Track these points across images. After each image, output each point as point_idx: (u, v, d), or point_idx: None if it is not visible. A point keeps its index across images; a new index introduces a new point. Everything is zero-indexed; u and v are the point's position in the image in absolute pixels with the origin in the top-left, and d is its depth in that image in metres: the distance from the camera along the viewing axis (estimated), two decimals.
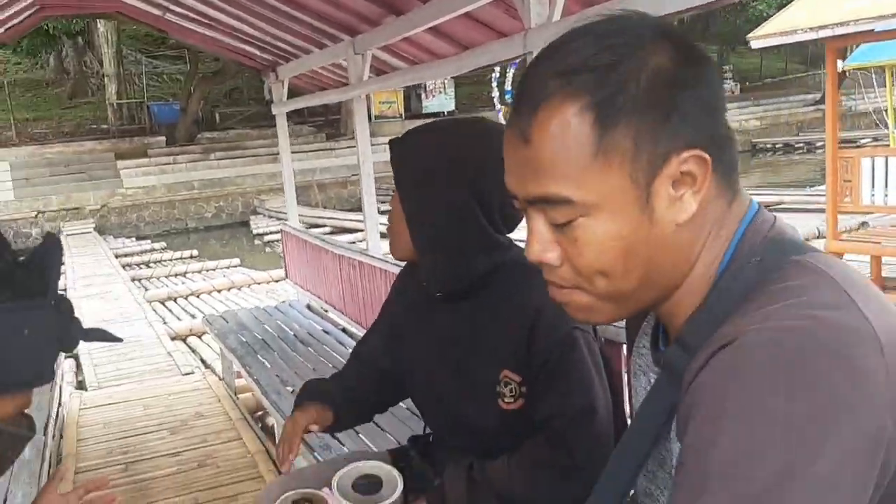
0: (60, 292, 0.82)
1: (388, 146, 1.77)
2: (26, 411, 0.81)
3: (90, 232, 18.07)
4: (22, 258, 0.77)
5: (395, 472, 1.82)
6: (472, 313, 1.70)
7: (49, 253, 0.83)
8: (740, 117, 28.15)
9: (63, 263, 0.82)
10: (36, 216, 19.12)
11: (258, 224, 18.99)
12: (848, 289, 0.81)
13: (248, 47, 6.01)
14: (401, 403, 2.28)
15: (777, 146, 27.41)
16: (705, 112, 0.87)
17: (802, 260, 0.86)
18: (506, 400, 1.63)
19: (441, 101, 25.46)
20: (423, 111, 25.18)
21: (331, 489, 1.78)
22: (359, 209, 5.77)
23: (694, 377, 0.81)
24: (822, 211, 7.46)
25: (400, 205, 1.73)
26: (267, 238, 17.76)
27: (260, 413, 5.18)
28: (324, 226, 17.89)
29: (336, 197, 21.43)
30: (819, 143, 22.25)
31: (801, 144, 26.54)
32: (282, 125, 6.44)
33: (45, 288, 0.78)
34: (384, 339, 2.04)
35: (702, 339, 0.85)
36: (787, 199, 14.06)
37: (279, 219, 18.55)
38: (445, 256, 1.67)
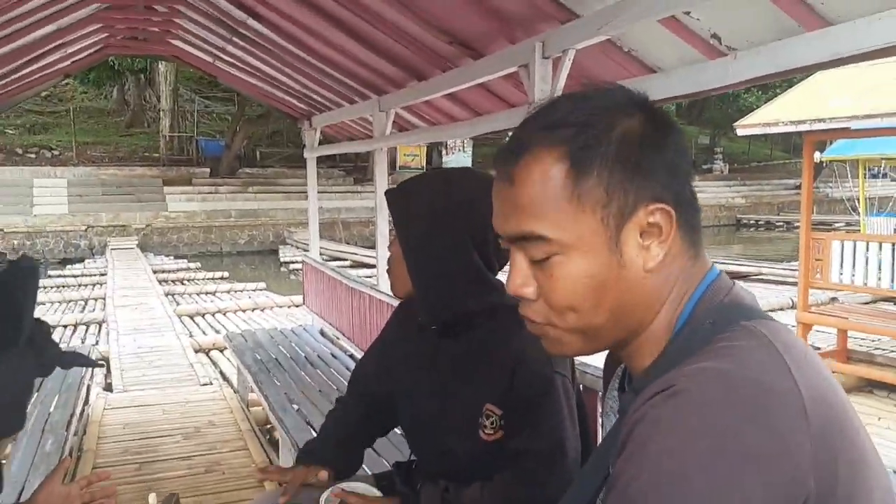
0: (37, 318, 0.73)
1: (389, 192, 1.79)
2: None
3: (133, 248, 18.13)
4: None
5: (378, 493, 1.81)
6: (462, 350, 1.70)
7: (21, 286, 0.72)
8: (728, 194, 28.32)
9: (37, 290, 0.69)
10: (86, 230, 19.24)
11: (285, 253, 19.03)
12: (785, 354, 0.81)
13: (286, 97, 6.10)
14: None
15: (759, 223, 27.54)
16: (670, 173, 0.89)
17: (750, 325, 0.86)
18: (486, 431, 1.62)
19: (459, 157, 25.61)
20: (443, 165, 25.35)
21: None
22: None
23: (634, 413, 0.83)
24: (796, 284, 7.48)
25: (399, 246, 1.76)
26: (292, 266, 17.76)
27: (268, 426, 5.15)
28: (345, 259, 17.91)
29: (358, 234, 21.49)
30: (796, 224, 22.30)
31: (781, 223, 26.61)
32: (311, 168, 6.50)
33: (16, 336, 0.68)
34: (377, 365, 2.04)
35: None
36: (765, 271, 13.98)
37: (305, 250, 18.61)
38: (441, 292, 1.68)
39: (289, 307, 10.70)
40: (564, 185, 0.87)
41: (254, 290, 12.81)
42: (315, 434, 2.40)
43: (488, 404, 1.62)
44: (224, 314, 10.42)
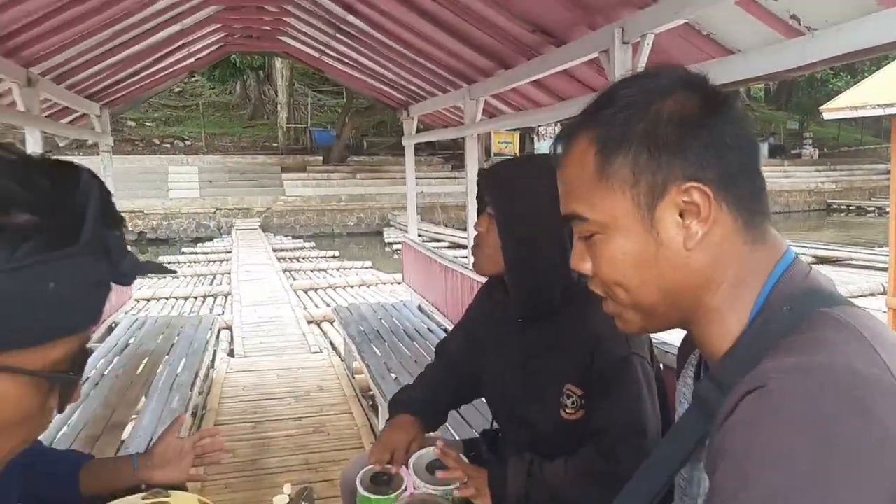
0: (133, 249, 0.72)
1: (484, 172, 1.74)
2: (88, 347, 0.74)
3: (256, 229, 18.75)
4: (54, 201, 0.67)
5: (465, 460, 1.79)
6: (544, 332, 1.67)
7: (83, 194, 0.71)
8: (817, 179, 26.86)
9: (108, 196, 0.67)
10: (214, 212, 20.05)
11: (389, 234, 19.29)
12: (873, 341, 0.74)
13: (386, 88, 6.13)
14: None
15: (850, 207, 25.90)
16: (713, 152, 0.83)
17: (832, 313, 0.79)
18: (567, 410, 1.60)
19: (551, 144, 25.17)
20: (535, 152, 25.05)
21: (407, 468, 1.77)
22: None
23: (724, 419, 0.76)
24: (886, 269, 7.02)
25: (494, 227, 1.68)
26: (395, 247, 18.00)
27: (370, 393, 5.23)
28: (442, 241, 18.00)
29: (456, 217, 21.55)
30: (888, 209, 20.92)
31: (873, 208, 24.94)
32: (410, 155, 6.53)
33: (75, 235, 0.68)
34: (464, 341, 2.01)
35: (730, 377, 0.80)
36: (855, 256, 13.19)
37: (404, 231, 18.84)
38: (535, 279, 1.63)
39: (391, 284, 10.84)
40: (594, 167, 0.86)
41: (361, 268, 13.06)
42: None
43: (569, 385, 1.59)
44: (334, 289, 10.67)
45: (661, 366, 1.83)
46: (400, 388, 2.10)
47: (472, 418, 3.33)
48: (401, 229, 20.01)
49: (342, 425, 4.31)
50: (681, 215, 0.83)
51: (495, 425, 1.96)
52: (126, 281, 0.73)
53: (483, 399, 2.00)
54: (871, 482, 0.66)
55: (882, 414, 0.68)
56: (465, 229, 19.41)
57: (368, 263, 13.62)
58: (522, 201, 1.62)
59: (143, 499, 1.18)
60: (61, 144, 7.21)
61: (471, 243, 4.82)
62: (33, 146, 4.30)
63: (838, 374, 0.71)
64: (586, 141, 0.87)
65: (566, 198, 0.91)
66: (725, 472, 0.72)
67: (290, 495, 1.34)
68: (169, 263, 13.55)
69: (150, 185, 20.03)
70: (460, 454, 1.86)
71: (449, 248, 16.83)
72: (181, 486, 1.77)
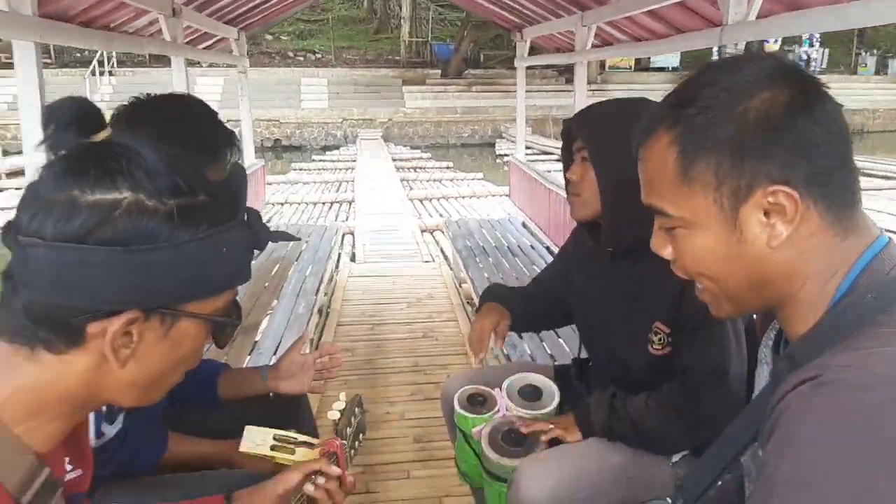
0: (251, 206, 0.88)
1: (577, 118, 1.67)
2: (237, 299, 0.90)
3: (378, 139, 18.98)
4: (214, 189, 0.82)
5: (555, 388, 1.81)
6: (634, 272, 1.62)
7: (236, 181, 0.88)
8: None
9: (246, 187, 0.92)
10: (341, 122, 20.41)
11: (501, 146, 19.06)
12: None
13: (501, 11, 5.93)
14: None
15: None
16: (802, 152, 0.76)
17: None
18: (655, 346, 1.57)
19: (668, 57, 23.73)
20: (651, 66, 23.71)
21: (501, 390, 1.82)
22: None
23: (781, 398, 0.73)
24: None
25: (588, 172, 1.62)
26: (506, 158, 17.82)
27: (474, 302, 5.31)
28: (552, 153, 17.65)
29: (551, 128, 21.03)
30: None
31: None
32: (521, 76, 6.36)
33: (235, 212, 0.82)
34: (558, 273, 2.00)
35: (806, 359, 0.76)
36: None
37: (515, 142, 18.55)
38: (632, 220, 1.60)
39: (500, 196, 10.77)
40: (676, 168, 0.82)
41: (472, 179, 13.03)
42: None
43: (657, 322, 1.55)
44: (447, 199, 10.73)
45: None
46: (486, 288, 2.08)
47: (568, 341, 3.35)
48: (512, 141, 19.73)
49: (448, 332, 4.39)
50: (766, 214, 0.78)
51: (584, 354, 1.98)
52: (262, 246, 0.88)
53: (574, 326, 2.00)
54: None
55: (877, 428, 0.64)
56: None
57: (479, 175, 13.55)
58: (620, 142, 1.55)
59: (272, 448, 1.29)
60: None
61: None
62: (178, 73, 4.48)
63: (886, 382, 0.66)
64: (668, 140, 0.82)
65: (647, 189, 0.88)
66: (770, 451, 0.72)
67: (345, 402, 1.44)
68: (300, 170, 14.06)
69: (284, 96, 20.54)
70: (549, 378, 1.90)
71: (557, 160, 16.46)
72: (302, 398, 1.92)
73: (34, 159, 1.99)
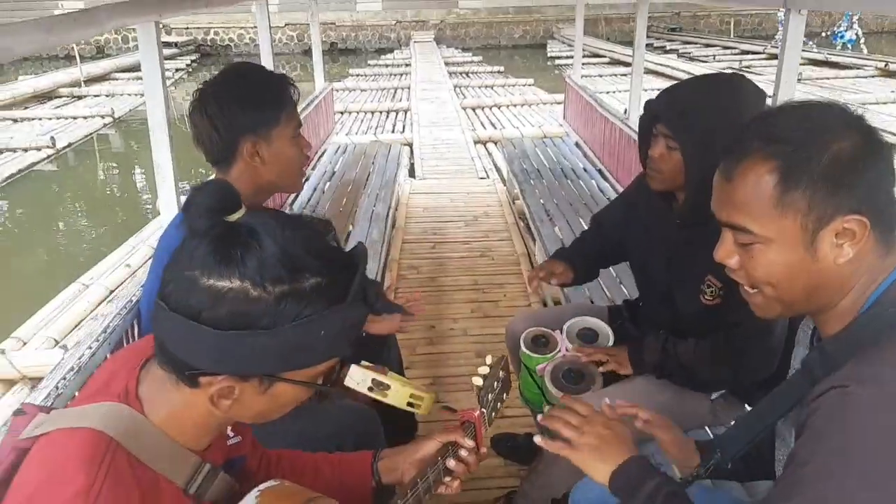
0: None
1: (665, 106, 1.66)
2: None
3: (430, 41, 18.62)
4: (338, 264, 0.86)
5: (609, 331, 1.97)
6: (696, 233, 1.63)
7: (354, 263, 0.90)
8: None
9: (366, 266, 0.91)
10: (395, 24, 19.99)
11: (552, 48, 18.54)
12: None
13: None
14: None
15: None
16: (872, 188, 0.89)
17: None
18: (706, 297, 1.66)
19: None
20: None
21: (561, 332, 2.03)
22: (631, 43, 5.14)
23: (816, 398, 0.87)
24: None
25: (671, 153, 1.65)
26: (557, 61, 17.33)
27: (528, 222, 5.41)
28: (603, 56, 17.08)
29: (619, 30, 20.17)
30: None
31: None
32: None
33: (346, 293, 0.87)
34: (619, 219, 2.08)
35: (834, 356, 0.91)
36: None
37: (569, 45, 17.88)
38: (708, 200, 1.68)
39: (551, 104, 10.66)
40: (773, 194, 0.91)
41: (524, 86, 12.85)
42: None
43: (710, 276, 1.63)
44: (499, 108, 10.68)
45: None
46: (556, 249, 2.27)
47: (624, 281, 3.42)
48: (564, 42, 19.05)
49: (504, 251, 4.48)
50: (836, 235, 0.90)
51: (637, 299, 2.10)
52: (375, 312, 0.96)
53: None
54: None
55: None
56: (626, 43, 17.75)
57: (531, 81, 13.34)
58: (711, 131, 1.50)
59: (369, 389, 1.24)
60: None
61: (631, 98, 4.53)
62: None
63: None
64: (766, 168, 0.91)
65: (730, 208, 0.96)
66: (800, 446, 0.87)
67: (489, 365, 1.42)
68: (357, 76, 14.00)
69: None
70: (603, 321, 2.10)
71: (609, 63, 15.96)
72: (390, 337, 2.15)
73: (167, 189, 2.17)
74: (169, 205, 2.21)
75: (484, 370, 1.38)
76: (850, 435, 0.82)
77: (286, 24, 19.53)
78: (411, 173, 6.70)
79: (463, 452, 1.21)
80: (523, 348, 2.02)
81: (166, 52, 17.56)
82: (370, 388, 1.16)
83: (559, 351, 1.98)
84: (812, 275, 0.93)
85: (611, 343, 1.95)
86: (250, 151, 1.54)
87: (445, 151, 7.36)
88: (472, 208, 5.39)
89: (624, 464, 1.08)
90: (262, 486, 0.94)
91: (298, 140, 1.62)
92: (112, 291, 4.80)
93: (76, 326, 4.30)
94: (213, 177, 1.63)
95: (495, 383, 1.40)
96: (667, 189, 1.73)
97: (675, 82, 1.77)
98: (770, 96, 2.16)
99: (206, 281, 0.80)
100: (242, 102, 1.53)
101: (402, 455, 1.24)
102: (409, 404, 1.18)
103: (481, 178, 6.33)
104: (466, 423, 1.27)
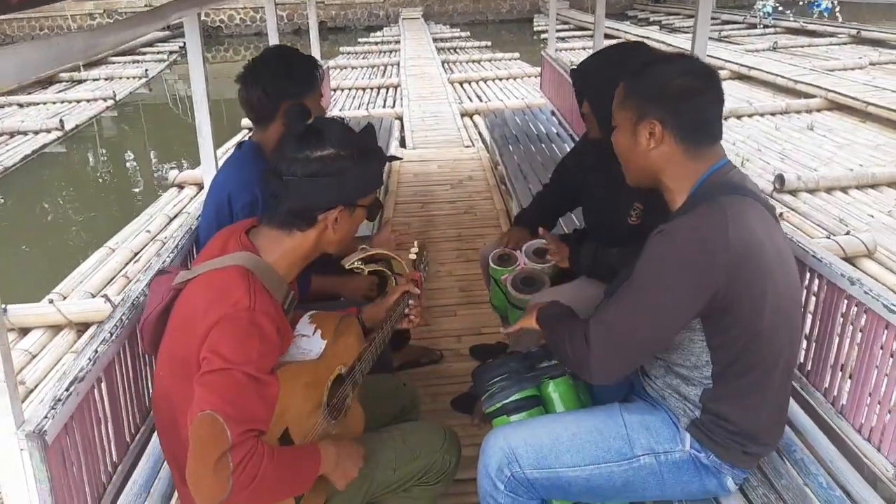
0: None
1: (575, 72, 2.27)
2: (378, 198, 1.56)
3: (419, 18, 18.94)
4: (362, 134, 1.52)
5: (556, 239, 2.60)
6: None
7: (373, 131, 1.55)
8: None
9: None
10: (383, 2, 20.28)
11: (539, 22, 18.88)
12: (729, 216, 1.36)
13: None
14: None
15: None
16: (681, 110, 1.45)
17: (722, 197, 1.40)
18: (632, 219, 2.16)
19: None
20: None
21: (521, 252, 2.63)
22: (621, 15, 5.72)
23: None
24: None
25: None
26: (543, 36, 17.70)
27: (507, 185, 5.93)
28: (587, 29, 17.47)
29: (606, 4, 20.47)
30: None
31: None
32: None
33: (376, 147, 1.51)
34: (572, 163, 2.65)
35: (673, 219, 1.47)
36: None
37: (557, 19, 18.25)
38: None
39: (535, 77, 11.07)
40: (620, 100, 1.55)
41: (509, 60, 13.25)
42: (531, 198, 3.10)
43: (636, 202, 2.15)
44: (485, 82, 11.10)
45: None
46: (521, 209, 2.84)
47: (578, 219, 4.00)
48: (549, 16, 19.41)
49: (486, 209, 5.02)
50: (648, 132, 1.48)
51: (582, 228, 2.70)
52: (386, 162, 1.63)
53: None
54: (689, 284, 1.36)
55: (712, 250, 1.34)
56: (614, 16, 17.84)
57: (517, 55, 13.73)
58: (605, 82, 1.83)
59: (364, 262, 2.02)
60: None
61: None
62: None
63: (697, 230, 1.37)
64: (622, 88, 1.55)
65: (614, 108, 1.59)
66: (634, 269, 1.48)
67: (418, 247, 2.00)
68: (348, 54, 14.41)
69: None
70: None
71: (593, 37, 16.29)
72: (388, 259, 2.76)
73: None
74: (208, 155, 2.80)
75: (414, 251, 1.99)
76: (649, 256, 1.41)
77: (276, 4, 19.84)
78: (402, 144, 7.21)
79: (412, 302, 1.83)
80: (491, 264, 2.62)
81: (158, 35, 17.93)
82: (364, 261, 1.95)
83: (518, 264, 2.59)
84: (638, 156, 1.53)
85: None
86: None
87: (434, 123, 7.87)
88: (458, 173, 5.91)
89: (540, 308, 1.71)
90: (310, 312, 1.57)
91: (321, 104, 2.23)
92: (136, 254, 5.38)
93: (109, 282, 4.89)
94: (250, 135, 2.23)
95: (423, 259, 2.02)
96: (595, 137, 2.27)
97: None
98: (689, 51, 2.75)
99: (316, 153, 1.43)
100: (291, 75, 2.12)
101: (375, 307, 1.82)
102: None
103: (467, 147, 6.86)
104: (414, 281, 1.86)
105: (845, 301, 1.75)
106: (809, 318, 1.92)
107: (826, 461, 1.82)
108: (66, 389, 1.46)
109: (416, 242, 2.00)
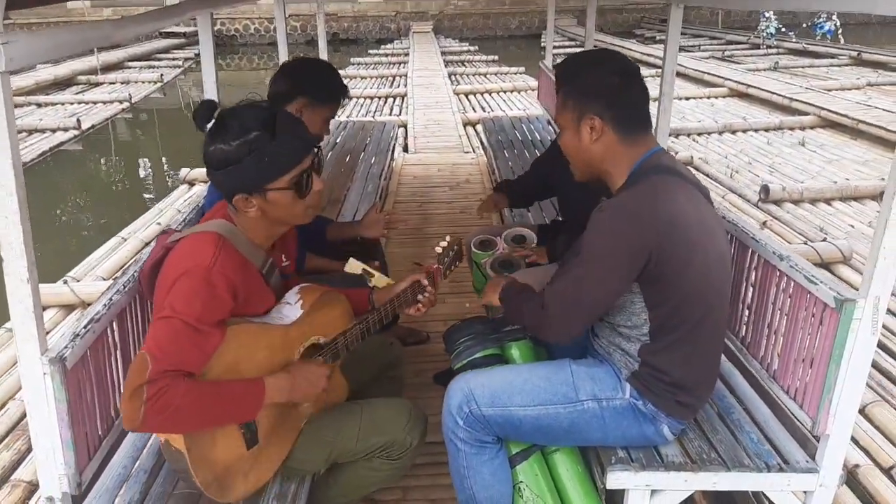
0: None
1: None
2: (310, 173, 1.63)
3: (429, 32, 19.25)
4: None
5: (534, 235, 2.82)
6: None
7: (275, 115, 1.60)
8: None
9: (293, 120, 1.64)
10: (395, 15, 20.65)
11: (547, 38, 19.12)
12: (659, 192, 1.57)
13: None
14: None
15: None
16: (608, 104, 1.64)
17: (653, 177, 1.62)
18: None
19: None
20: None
21: (500, 238, 2.85)
22: (628, 33, 5.98)
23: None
24: None
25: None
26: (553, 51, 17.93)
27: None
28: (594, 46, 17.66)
29: (612, 21, 20.84)
30: None
31: None
32: None
33: (279, 136, 1.57)
34: (548, 161, 2.93)
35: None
36: None
37: (564, 36, 18.52)
38: None
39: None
40: (561, 103, 1.74)
41: (515, 73, 13.44)
42: None
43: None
44: (490, 94, 11.32)
45: None
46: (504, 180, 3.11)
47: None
48: (558, 32, 19.68)
49: None
50: (589, 128, 1.67)
51: (559, 219, 2.97)
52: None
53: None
54: (626, 251, 1.57)
55: (641, 223, 1.53)
56: (620, 34, 17.96)
57: (522, 69, 13.89)
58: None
59: (363, 270, 2.19)
60: None
61: None
62: None
63: (629, 205, 1.60)
64: (562, 92, 1.74)
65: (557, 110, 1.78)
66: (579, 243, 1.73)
67: (448, 241, 2.04)
68: (358, 65, 14.71)
69: None
70: (533, 232, 2.92)
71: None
72: (377, 242, 2.97)
73: None
74: None
75: (444, 243, 2.04)
76: (591, 229, 1.62)
77: (290, 16, 20.24)
78: (405, 149, 7.43)
79: (424, 294, 1.92)
80: (473, 249, 2.84)
81: (174, 42, 18.33)
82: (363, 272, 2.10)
83: (497, 249, 2.80)
84: (582, 151, 1.73)
85: (534, 244, 2.79)
86: (297, 110, 2.36)
87: (436, 130, 8.11)
88: (456, 176, 6.16)
89: (503, 287, 1.92)
90: (302, 284, 1.78)
91: (326, 121, 2.49)
92: (147, 244, 5.62)
93: (120, 268, 5.12)
94: None
95: (451, 252, 2.07)
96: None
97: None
98: (659, 67, 2.98)
99: (220, 146, 1.55)
100: (324, 80, 2.41)
101: (386, 291, 1.97)
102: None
103: (466, 153, 7.10)
104: (428, 273, 1.93)
105: (777, 274, 1.95)
106: (751, 291, 2.12)
107: (760, 422, 2.01)
108: (84, 327, 1.69)
109: (447, 237, 2.05)
